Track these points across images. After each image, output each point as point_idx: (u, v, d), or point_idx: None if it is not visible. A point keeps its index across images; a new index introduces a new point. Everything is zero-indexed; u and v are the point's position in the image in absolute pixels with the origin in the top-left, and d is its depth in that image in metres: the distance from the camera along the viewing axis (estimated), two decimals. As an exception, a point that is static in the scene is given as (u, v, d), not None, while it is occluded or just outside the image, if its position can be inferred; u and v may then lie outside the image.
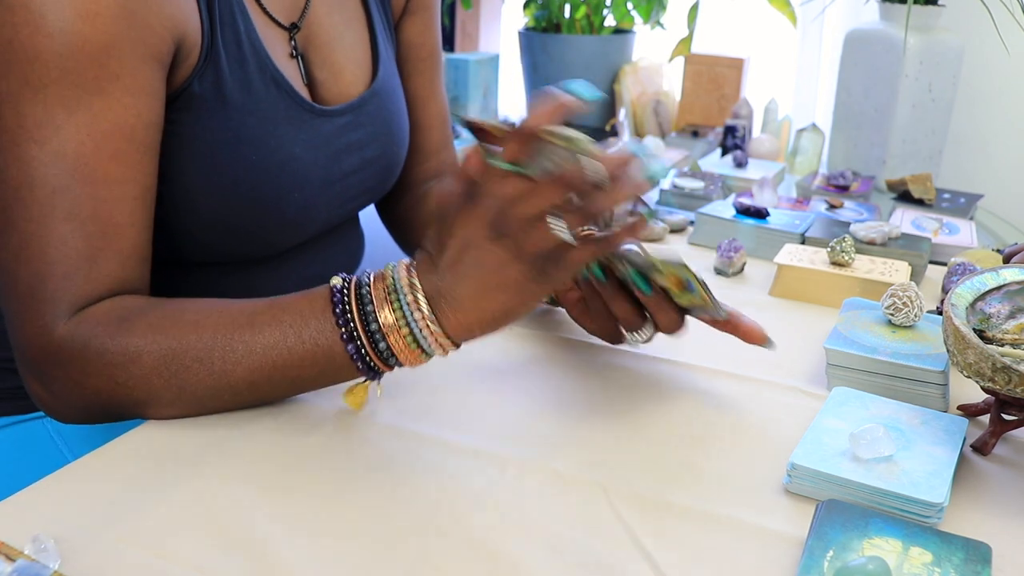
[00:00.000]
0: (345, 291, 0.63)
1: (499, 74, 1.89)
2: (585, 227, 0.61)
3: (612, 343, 0.77)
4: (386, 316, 0.62)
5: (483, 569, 0.53)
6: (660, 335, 0.74)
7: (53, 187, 0.63)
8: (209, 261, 0.79)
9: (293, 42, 0.81)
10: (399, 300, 0.62)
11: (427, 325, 0.61)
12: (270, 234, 0.79)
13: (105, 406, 0.65)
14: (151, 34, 0.65)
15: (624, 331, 0.75)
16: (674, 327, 0.72)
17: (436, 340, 0.62)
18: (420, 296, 0.61)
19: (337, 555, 0.53)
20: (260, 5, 0.79)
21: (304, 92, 0.81)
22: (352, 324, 0.62)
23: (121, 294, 0.66)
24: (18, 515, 0.56)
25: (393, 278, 0.62)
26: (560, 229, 0.59)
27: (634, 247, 0.70)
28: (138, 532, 0.54)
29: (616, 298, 0.72)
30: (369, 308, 0.62)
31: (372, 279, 0.63)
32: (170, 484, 0.59)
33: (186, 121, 0.71)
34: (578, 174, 0.57)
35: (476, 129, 0.62)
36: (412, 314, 0.61)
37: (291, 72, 0.80)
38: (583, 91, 0.59)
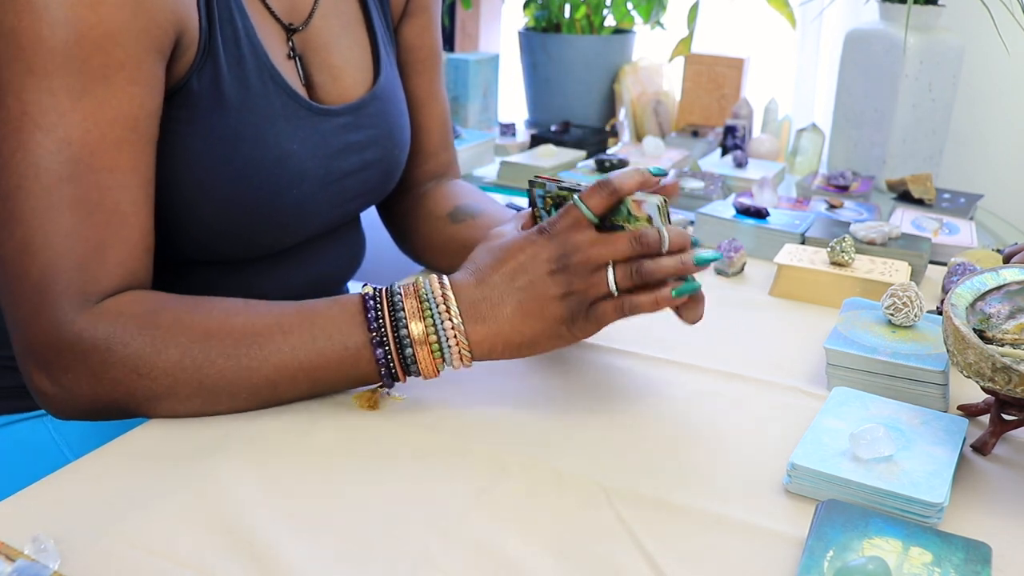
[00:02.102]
0: (377, 299, 0.66)
1: (499, 74, 1.88)
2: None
3: None
4: (416, 324, 0.65)
5: (483, 569, 0.53)
6: (662, 336, 0.74)
7: (59, 176, 0.63)
8: (208, 260, 0.79)
9: (291, 43, 0.81)
10: (431, 309, 0.65)
11: (455, 335, 0.65)
12: (268, 232, 0.79)
13: (117, 400, 0.65)
14: (154, 25, 0.65)
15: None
16: (696, 318, 0.70)
17: (459, 350, 0.66)
18: (453, 306, 0.65)
19: (337, 554, 0.53)
20: (264, 3, 0.79)
21: (302, 92, 0.81)
22: (383, 330, 0.65)
23: (131, 285, 0.67)
24: (18, 515, 0.56)
25: (425, 289, 0.66)
26: (611, 281, 0.65)
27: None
28: (138, 532, 0.54)
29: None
30: (400, 315, 0.65)
31: (404, 290, 0.66)
32: (170, 484, 0.59)
33: (184, 118, 0.71)
34: (655, 238, 0.65)
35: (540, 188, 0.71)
36: (442, 323, 0.65)
37: (288, 72, 0.80)
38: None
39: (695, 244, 0.68)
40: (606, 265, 0.66)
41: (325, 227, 0.86)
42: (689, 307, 0.69)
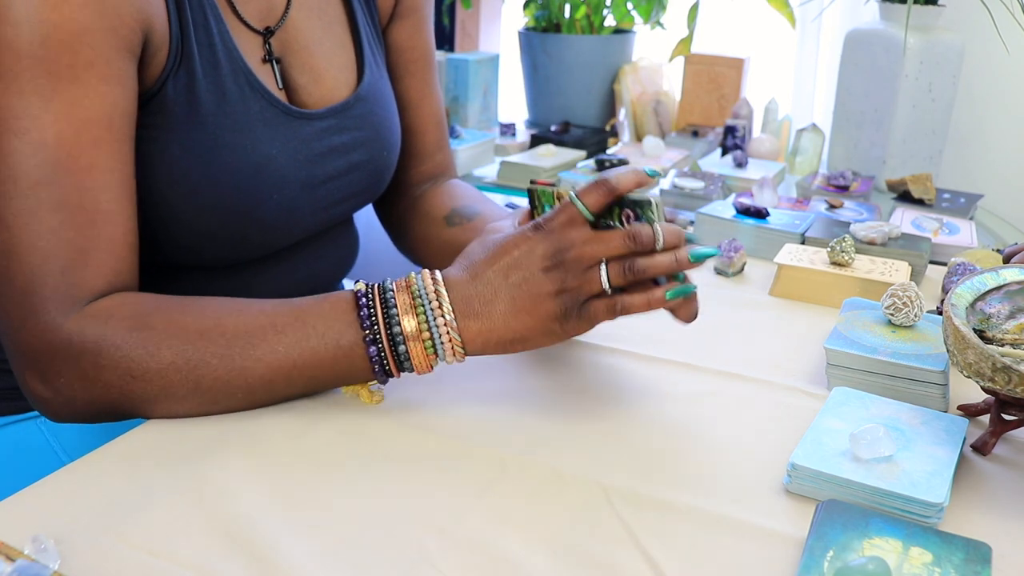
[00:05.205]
0: (369, 296, 0.66)
1: (499, 74, 1.88)
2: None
3: None
4: (409, 321, 0.65)
5: (483, 569, 0.53)
6: (662, 336, 0.74)
7: (37, 179, 0.62)
8: (197, 264, 0.79)
9: (267, 46, 0.81)
10: (423, 306, 0.65)
11: (448, 331, 0.65)
12: (252, 237, 0.79)
13: (112, 402, 0.65)
14: (121, 23, 0.65)
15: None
16: (691, 316, 0.70)
17: (452, 346, 0.65)
18: (445, 303, 0.65)
19: (337, 554, 0.53)
20: (233, 9, 0.78)
21: (280, 96, 0.80)
22: (376, 327, 0.65)
23: (117, 285, 0.66)
24: (18, 515, 0.56)
25: (418, 285, 0.66)
26: (604, 278, 0.65)
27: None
28: (138, 532, 0.54)
29: None
30: (393, 312, 0.65)
31: (395, 286, 0.66)
32: (170, 484, 0.59)
33: (161, 125, 0.71)
34: (649, 235, 0.65)
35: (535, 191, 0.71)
36: (435, 320, 0.65)
37: (265, 76, 0.79)
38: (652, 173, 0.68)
39: (691, 241, 0.67)
40: (600, 262, 0.65)
41: (313, 229, 0.86)
42: (683, 306, 0.69)
